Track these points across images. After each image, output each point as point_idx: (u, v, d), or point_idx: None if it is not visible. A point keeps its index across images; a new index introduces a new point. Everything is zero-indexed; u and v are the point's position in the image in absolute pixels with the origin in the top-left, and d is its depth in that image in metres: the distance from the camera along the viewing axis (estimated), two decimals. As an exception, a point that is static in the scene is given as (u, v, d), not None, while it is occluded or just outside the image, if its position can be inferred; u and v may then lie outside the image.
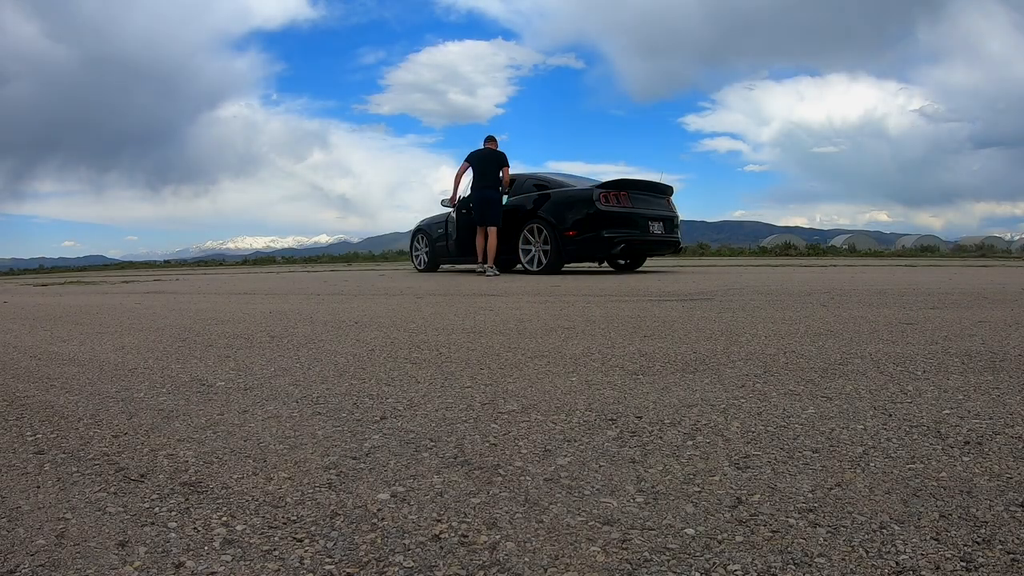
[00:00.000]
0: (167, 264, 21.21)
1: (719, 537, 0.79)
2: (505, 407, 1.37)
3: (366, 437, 1.19)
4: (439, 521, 0.85)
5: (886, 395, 1.40)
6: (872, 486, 0.92)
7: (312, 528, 0.84)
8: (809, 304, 3.28)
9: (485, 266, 7.01)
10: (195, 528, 0.84)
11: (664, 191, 7.27)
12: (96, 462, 1.10)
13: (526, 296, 4.12)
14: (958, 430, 1.16)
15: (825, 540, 0.77)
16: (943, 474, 0.96)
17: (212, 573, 0.73)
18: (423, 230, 8.78)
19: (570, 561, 0.74)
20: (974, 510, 0.84)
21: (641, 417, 1.28)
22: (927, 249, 18.58)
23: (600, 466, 1.02)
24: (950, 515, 0.82)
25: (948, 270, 7.51)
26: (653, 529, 0.81)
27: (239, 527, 0.84)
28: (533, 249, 6.97)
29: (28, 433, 1.28)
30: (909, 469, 0.98)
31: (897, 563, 0.72)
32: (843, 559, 0.73)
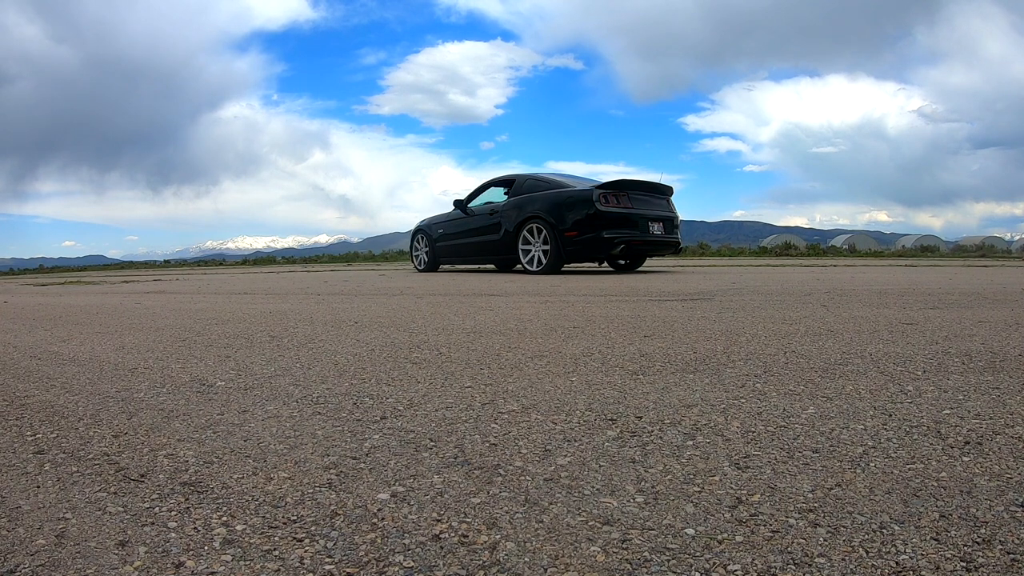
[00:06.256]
0: (167, 264, 21.21)
1: (719, 537, 0.79)
2: (505, 407, 1.37)
3: (366, 437, 1.19)
4: (439, 521, 0.85)
5: (886, 395, 1.40)
6: (872, 486, 0.92)
7: (312, 528, 0.84)
8: (809, 304, 3.28)
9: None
10: (195, 528, 0.84)
11: (664, 191, 7.27)
12: (96, 462, 1.10)
13: (526, 296, 4.12)
14: (958, 430, 1.16)
15: (825, 540, 0.77)
16: (943, 474, 0.96)
17: (212, 573, 0.73)
18: (423, 230, 8.78)
19: (570, 561, 0.74)
20: (974, 510, 0.84)
21: (641, 417, 1.28)
22: (927, 249, 18.59)
23: (600, 466, 1.02)
24: (950, 515, 0.82)
25: (948, 270, 7.51)
26: (653, 529, 0.81)
27: (239, 527, 0.84)
28: (533, 249, 6.97)
29: (28, 433, 1.28)
30: (909, 469, 0.98)
31: (897, 563, 0.72)
32: (843, 559, 0.73)
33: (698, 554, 0.75)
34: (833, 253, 17.52)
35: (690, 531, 0.80)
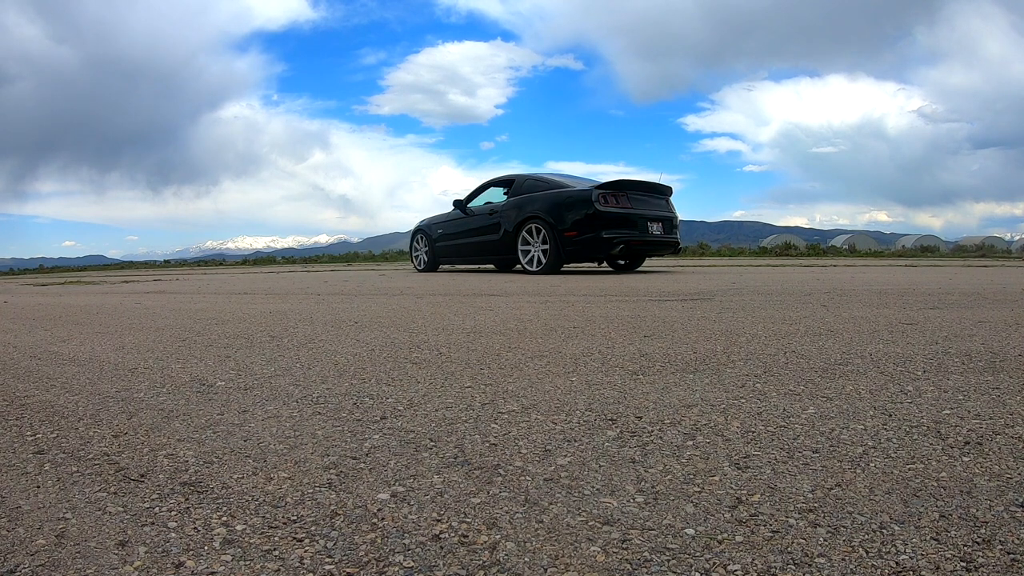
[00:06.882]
0: (167, 264, 21.21)
1: (719, 537, 0.79)
2: (505, 407, 1.37)
3: (366, 437, 1.19)
4: (439, 521, 0.85)
5: (886, 395, 1.40)
6: (872, 486, 0.92)
7: (312, 528, 0.84)
8: (809, 304, 3.28)
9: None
10: (195, 528, 0.84)
11: (663, 192, 7.28)
12: (96, 462, 1.10)
13: (526, 296, 4.12)
14: (958, 430, 1.16)
15: (825, 540, 0.77)
16: (943, 474, 0.96)
17: (212, 573, 0.73)
18: (423, 230, 8.78)
19: (570, 561, 0.74)
20: (974, 510, 0.84)
21: (641, 417, 1.28)
22: (927, 249, 18.59)
23: (600, 466, 1.02)
24: (950, 515, 0.82)
25: (948, 270, 7.51)
26: (653, 529, 0.81)
27: (239, 527, 0.84)
28: (532, 249, 6.97)
29: (28, 433, 1.28)
30: (909, 469, 0.98)
31: (897, 563, 0.72)
32: (843, 559, 0.73)
33: (698, 554, 0.75)
34: (833, 253, 17.52)
35: (690, 531, 0.80)
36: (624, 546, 0.77)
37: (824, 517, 0.83)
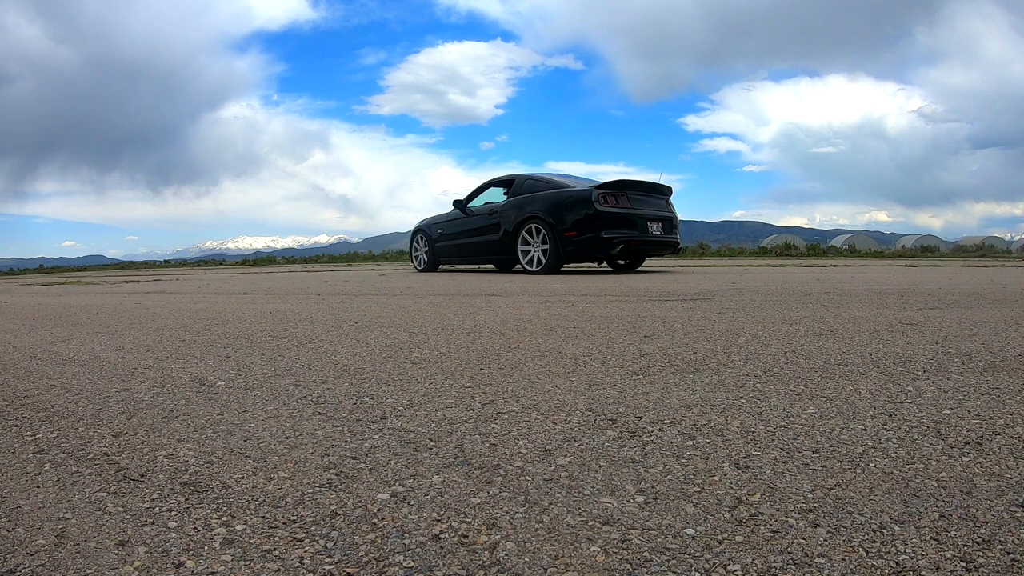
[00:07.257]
0: (167, 264, 21.21)
1: (719, 537, 0.79)
2: (505, 407, 1.37)
3: (366, 437, 1.19)
4: (439, 521, 0.85)
5: (886, 395, 1.40)
6: (872, 486, 0.92)
7: (312, 528, 0.84)
8: (809, 304, 3.28)
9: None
10: (195, 528, 0.84)
11: (663, 192, 7.28)
12: (96, 462, 1.10)
13: (526, 296, 4.12)
14: (958, 430, 1.16)
15: (825, 540, 0.77)
16: (943, 474, 0.96)
17: (212, 573, 0.73)
18: (423, 230, 8.78)
19: (570, 561, 0.74)
20: (974, 510, 0.84)
21: (641, 417, 1.28)
22: (927, 249, 18.58)
23: (600, 466, 1.02)
24: (950, 515, 0.82)
25: (948, 270, 7.51)
26: (653, 529, 0.81)
27: (239, 527, 0.84)
28: (532, 249, 6.97)
29: (28, 433, 1.28)
30: (909, 469, 0.98)
31: (897, 563, 0.72)
32: (843, 559, 0.73)
33: (698, 554, 0.75)
34: (833, 253, 17.52)
35: (690, 531, 0.80)
36: (624, 546, 0.77)
37: (824, 517, 0.83)
